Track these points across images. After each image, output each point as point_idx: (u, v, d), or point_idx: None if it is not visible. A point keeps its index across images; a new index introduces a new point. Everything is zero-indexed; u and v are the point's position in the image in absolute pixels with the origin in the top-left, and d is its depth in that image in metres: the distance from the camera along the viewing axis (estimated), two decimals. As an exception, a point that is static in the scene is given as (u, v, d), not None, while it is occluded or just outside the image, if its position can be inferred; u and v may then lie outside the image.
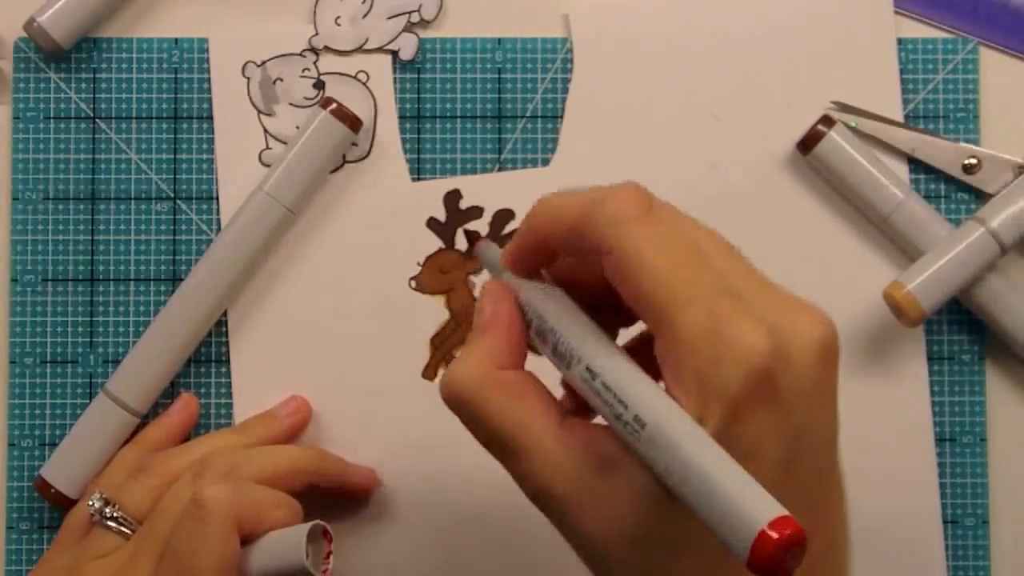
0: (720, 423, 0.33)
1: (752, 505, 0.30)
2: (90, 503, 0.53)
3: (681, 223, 0.36)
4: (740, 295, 0.35)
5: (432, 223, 0.57)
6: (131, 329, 0.57)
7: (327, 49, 0.57)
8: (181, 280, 0.56)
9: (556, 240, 0.38)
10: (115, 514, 0.52)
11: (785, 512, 0.30)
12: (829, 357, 0.36)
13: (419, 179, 0.57)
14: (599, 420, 0.37)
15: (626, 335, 0.40)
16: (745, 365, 0.33)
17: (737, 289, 0.35)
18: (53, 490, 0.55)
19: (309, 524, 0.49)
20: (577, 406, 0.39)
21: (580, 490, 0.36)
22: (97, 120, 0.58)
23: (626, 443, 0.35)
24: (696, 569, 0.35)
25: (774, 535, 0.29)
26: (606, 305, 0.38)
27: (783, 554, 0.30)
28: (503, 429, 0.37)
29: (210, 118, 0.57)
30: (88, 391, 0.57)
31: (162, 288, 0.57)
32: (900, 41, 0.57)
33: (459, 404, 0.38)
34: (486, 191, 0.57)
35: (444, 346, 0.57)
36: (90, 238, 0.57)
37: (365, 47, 0.58)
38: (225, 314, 0.57)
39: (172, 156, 0.57)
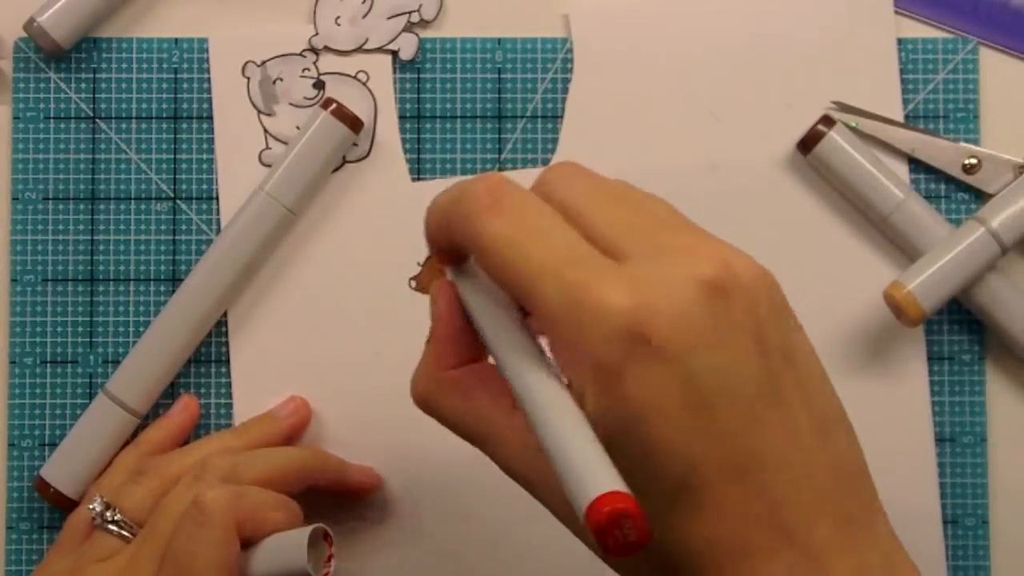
0: (599, 389, 0.33)
1: (587, 480, 0.32)
2: (90, 506, 0.53)
3: (530, 204, 0.36)
4: (598, 256, 0.34)
5: (432, 223, 0.57)
6: (131, 329, 0.57)
7: (327, 49, 0.57)
8: (181, 280, 0.56)
9: (441, 243, 0.38)
10: (116, 517, 0.52)
11: (615, 488, 0.31)
12: (715, 295, 0.34)
13: (419, 179, 0.57)
14: None
15: None
16: (606, 327, 0.33)
17: (612, 246, 0.35)
18: (52, 490, 0.55)
19: (310, 527, 0.49)
20: None
21: (538, 470, 0.37)
22: (97, 120, 0.58)
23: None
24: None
25: (605, 508, 0.31)
26: None
27: (612, 527, 0.31)
28: (462, 426, 0.39)
29: (210, 118, 0.57)
30: (88, 391, 0.57)
31: (162, 288, 0.57)
32: (900, 41, 0.57)
33: (422, 409, 0.39)
34: (486, 191, 0.57)
35: (444, 346, 0.57)
36: (90, 238, 0.57)
37: (365, 47, 0.58)
38: (225, 314, 0.57)
39: (172, 156, 0.57)
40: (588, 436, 0.33)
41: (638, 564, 0.35)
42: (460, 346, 0.39)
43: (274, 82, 0.57)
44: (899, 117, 0.57)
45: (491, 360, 0.39)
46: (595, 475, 0.32)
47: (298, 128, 0.57)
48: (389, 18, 0.57)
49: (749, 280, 0.34)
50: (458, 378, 0.39)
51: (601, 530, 0.31)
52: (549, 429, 0.34)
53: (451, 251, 0.38)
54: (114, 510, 0.52)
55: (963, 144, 0.57)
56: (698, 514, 0.34)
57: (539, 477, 0.37)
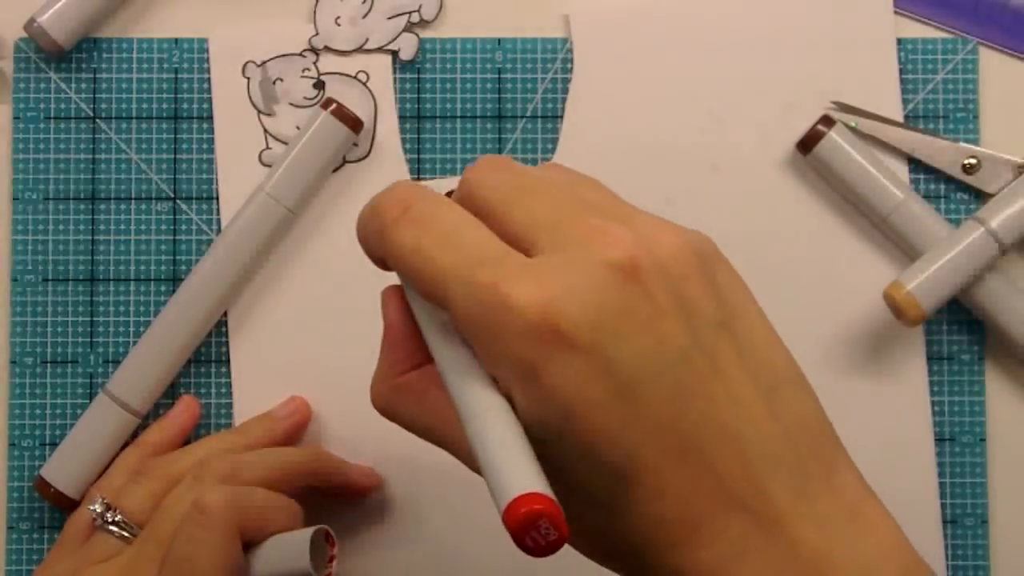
0: (524, 388, 0.33)
1: (504, 483, 0.32)
2: (91, 507, 0.52)
3: (440, 209, 0.36)
4: (510, 254, 0.34)
5: (432, 223, 0.57)
6: (131, 329, 0.57)
7: (327, 49, 0.57)
8: (181, 280, 0.56)
9: (370, 253, 0.38)
10: (116, 518, 0.52)
11: (532, 489, 0.31)
12: (626, 277, 0.33)
13: (419, 179, 0.57)
14: None
15: None
16: (518, 325, 0.32)
17: (526, 241, 0.34)
18: (53, 490, 0.55)
19: (312, 528, 0.49)
20: None
21: None
22: (97, 120, 0.58)
23: None
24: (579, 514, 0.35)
25: (521, 509, 0.31)
26: None
27: (529, 528, 0.31)
28: (420, 428, 0.38)
29: (210, 118, 0.57)
30: (88, 391, 0.57)
31: (162, 288, 0.57)
32: (900, 41, 0.57)
33: (383, 415, 0.39)
34: (486, 191, 0.57)
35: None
36: (90, 238, 0.57)
37: (365, 47, 0.58)
38: (225, 314, 0.57)
39: (172, 156, 0.57)
40: (510, 439, 0.33)
41: (594, 551, 0.35)
42: (410, 350, 0.38)
43: (274, 82, 0.57)
44: (899, 117, 0.57)
45: None
46: (511, 477, 0.32)
47: (298, 128, 0.57)
48: (389, 18, 0.57)
49: (668, 255, 0.34)
50: (411, 382, 0.38)
51: (519, 532, 0.31)
52: (474, 436, 0.34)
53: (382, 260, 0.38)
54: (114, 511, 0.52)
55: (963, 144, 0.57)
56: (644, 497, 0.33)
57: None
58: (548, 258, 0.33)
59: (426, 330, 0.38)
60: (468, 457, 0.37)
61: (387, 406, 0.39)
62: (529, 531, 0.31)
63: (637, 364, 0.33)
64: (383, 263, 0.38)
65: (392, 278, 0.38)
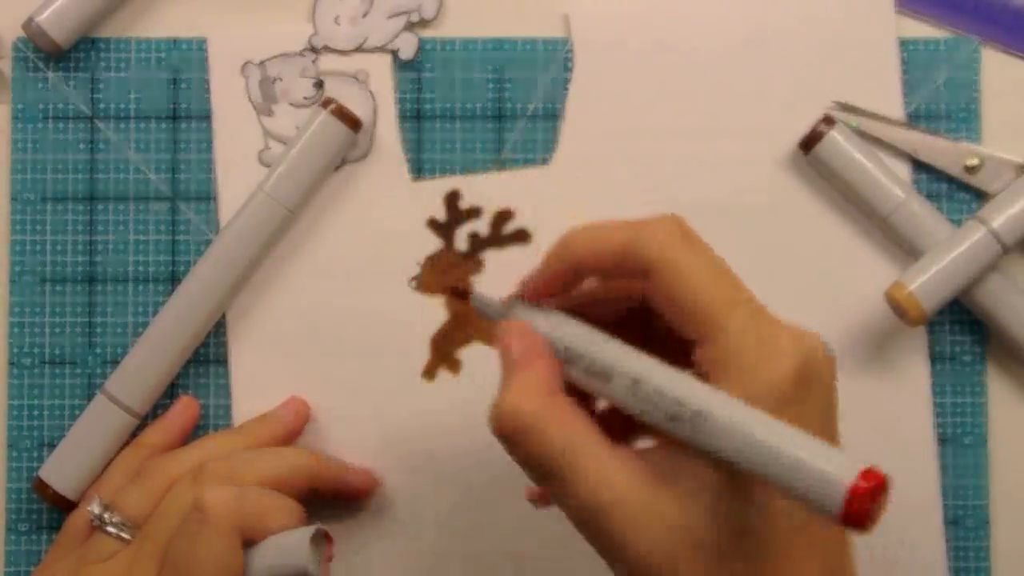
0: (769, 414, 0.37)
1: (835, 464, 0.34)
2: (89, 508, 0.52)
3: (710, 249, 0.41)
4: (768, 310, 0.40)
5: (432, 223, 0.57)
6: (130, 329, 0.57)
7: (327, 49, 0.57)
8: (180, 280, 0.56)
9: (600, 266, 0.41)
10: (114, 519, 0.52)
11: (868, 464, 0.34)
12: (833, 376, 0.40)
13: (419, 179, 0.57)
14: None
15: None
16: (789, 366, 0.38)
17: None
18: (51, 491, 0.55)
19: (311, 528, 0.49)
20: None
21: (637, 506, 0.38)
22: (96, 120, 0.57)
23: (685, 441, 0.37)
24: (762, 555, 0.38)
25: (864, 485, 0.33)
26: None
27: (875, 501, 0.33)
28: (561, 450, 0.39)
29: (209, 118, 0.57)
30: (87, 391, 0.57)
31: (161, 288, 0.57)
32: (902, 41, 0.57)
33: (520, 431, 0.40)
34: (486, 191, 0.57)
35: (444, 346, 0.57)
36: (89, 238, 0.57)
37: (365, 47, 0.57)
38: (224, 315, 0.57)
39: (171, 156, 0.57)
40: (800, 431, 0.36)
41: None
42: (560, 374, 0.41)
43: (273, 82, 0.57)
44: (900, 117, 0.57)
45: (594, 391, 0.41)
46: (840, 458, 0.34)
47: (298, 128, 0.57)
48: (389, 18, 0.57)
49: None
50: (565, 403, 0.40)
51: (863, 507, 0.33)
52: (756, 428, 0.36)
53: (571, 281, 0.42)
54: (113, 512, 0.52)
55: (964, 144, 0.57)
56: None
57: (637, 511, 0.38)
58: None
59: (605, 352, 0.40)
60: (589, 488, 0.38)
61: (538, 419, 0.39)
62: (875, 505, 0.33)
63: None
64: (608, 275, 0.43)
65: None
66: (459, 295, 0.47)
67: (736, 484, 0.37)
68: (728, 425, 0.36)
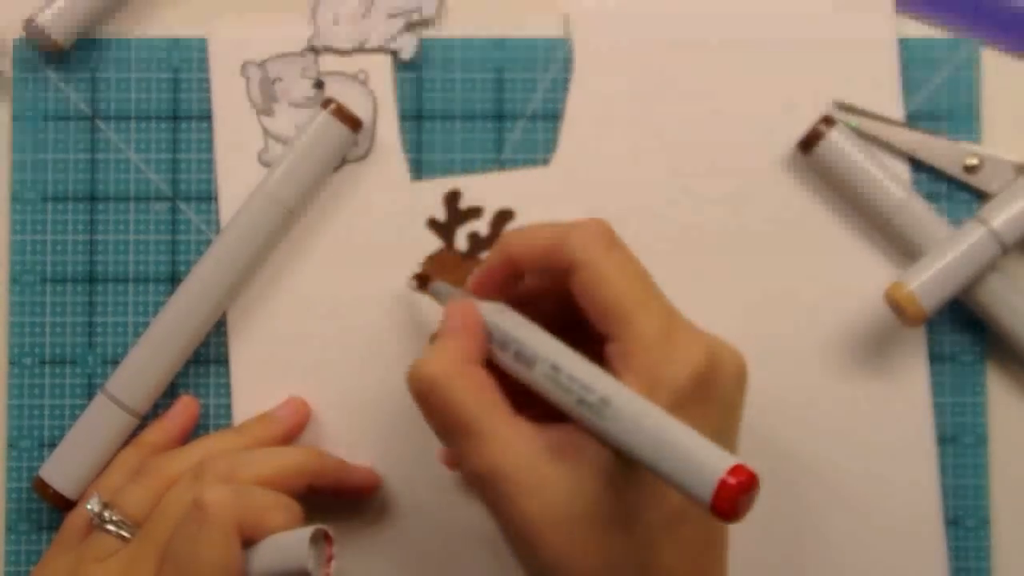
0: (665, 409, 0.40)
1: (713, 458, 0.37)
2: (89, 506, 0.52)
3: (631, 253, 0.44)
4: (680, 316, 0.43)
5: (432, 223, 0.57)
6: (131, 329, 0.57)
7: (327, 49, 0.57)
8: (180, 280, 0.56)
9: (529, 262, 0.46)
10: (114, 518, 0.52)
11: (740, 460, 0.36)
12: (743, 385, 0.43)
13: (419, 179, 0.57)
14: None
15: None
16: (691, 367, 0.41)
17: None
18: (52, 490, 0.55)
19: (312, 527, 0.49)
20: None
21: (531, 473, 0.41)
22: (96, 120, 0.57)
23: (587, 425, 0.41)
24: (640, 537, 0.41)
25: (733, 480, 0.36)
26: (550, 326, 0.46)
27: (742, 496, 0.36)
28: (466, 413, 0.42)
29: (209, 118, 0.57)
30: (88, 391, 0.57)
31: (162, 288, 0.57)
32: (901, 41, 0.57)
33: (428, 390, 0.43)
34: (486, 191, 0.57)
35: (444, 346, 0.57)
36: (89, 238, 0.57)
37: (365, 47, 0.57)
38: (224, 314, 0.57)
39: (171, 156, 0.57)
40: (688, 427, 0.38)
41: None
42: (483, 349, 0.45)
43: (273, 82, 0.57)
44: (900, 117, 0.57)
45: (518, 375, 0.44)
46: (718, 454, 0.37)
47: (298, 128, 0.57)
48: (389, 18, 0.57)
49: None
50: (478, 372, 0.44)
51: (736, 500, 0.36)
52: (650, 418, 0.39)
53: (511, 276, 0.47)
54: (112, 510, 0.52)
55: (964, 144, 0.57)
56: None
57: (529, 480, 0.41)
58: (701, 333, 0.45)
59: (532, 341, 0.44)
60: (497, 450, 0.41)
61: (450, 380, 0.43)
62: (743, 499, 0.36)
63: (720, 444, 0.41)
64: (537, 271, 0.47)
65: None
66: (421, 283, 0.54)
67: (629, 468, 0.41)
68: (625, 414, 0.39)
